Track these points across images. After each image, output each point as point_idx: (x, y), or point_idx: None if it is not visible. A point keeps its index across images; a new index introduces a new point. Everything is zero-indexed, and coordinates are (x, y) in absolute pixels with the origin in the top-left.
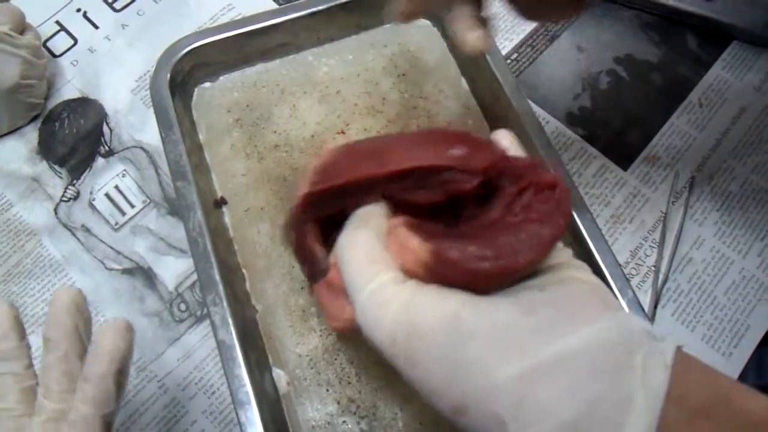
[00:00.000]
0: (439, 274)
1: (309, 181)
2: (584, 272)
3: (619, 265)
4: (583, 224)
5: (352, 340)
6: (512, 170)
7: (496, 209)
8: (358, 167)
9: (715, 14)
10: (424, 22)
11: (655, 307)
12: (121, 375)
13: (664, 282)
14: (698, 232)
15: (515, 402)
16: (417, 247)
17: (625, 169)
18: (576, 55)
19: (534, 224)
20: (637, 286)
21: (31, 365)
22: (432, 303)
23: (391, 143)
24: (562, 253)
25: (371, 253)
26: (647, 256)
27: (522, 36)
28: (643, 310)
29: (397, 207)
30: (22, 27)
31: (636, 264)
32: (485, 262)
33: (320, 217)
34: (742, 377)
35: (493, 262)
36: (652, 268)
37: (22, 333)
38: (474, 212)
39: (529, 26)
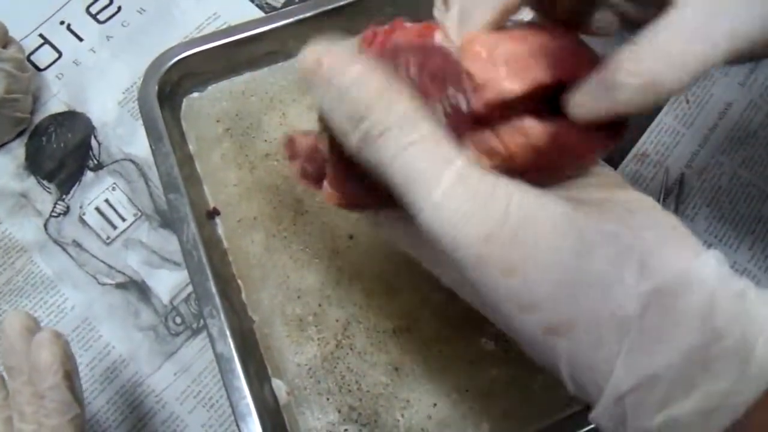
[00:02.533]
0: (531, 163)
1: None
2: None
3: None
4: None
5: (351, 347)
6: None
7: None
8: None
9: None
10: None
11: None
12: (70, 378)
13: None
14: (690, 228)
15: (640, 322)
16: (531, 127)
17: (615, 167)
18: None
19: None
20: None
21: (7, 395)
22: (546, 201)
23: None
24: (611, 173)
25: (438, 133)
26: None
27: None
28: None
29: None
30: (4, 41)
31: None
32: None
33: None
34: None
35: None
36: None
37: None
38: None
39: None
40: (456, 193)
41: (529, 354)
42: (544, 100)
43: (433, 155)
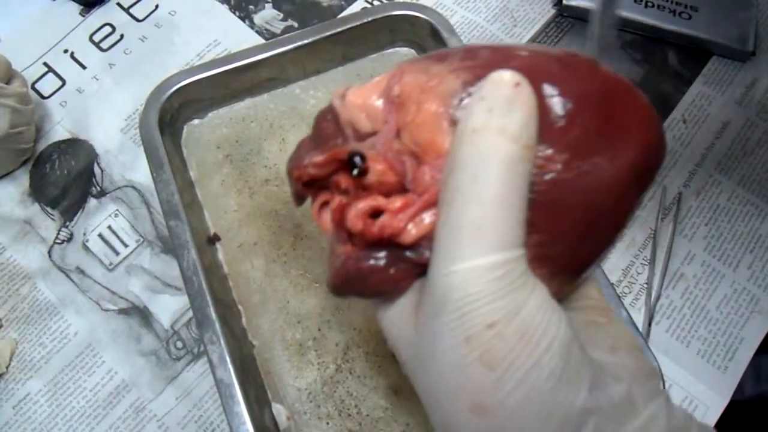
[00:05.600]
0: None
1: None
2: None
3: (612, 284)
4: None
5: (350, 371)
6: None
7: None
8: None
9: (693, 31)
10: (407, 50)
11: (650, 324)
12: None
13: (657, 299)
14: (688, 247)
15: None
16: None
17: None
18: None
19: None
20: (630, 305)
21: None
22: (558, 317)
23: None
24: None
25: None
26: (639, 273)
27: None
28: (637, 328)
29: None
30: (8, 76)
31: (628, 282)
32: None
33: None
34: (740, 387)
35: None
36: (645, 286)
37: None
38: None
39: None
40: (496, 273)
41: None
42: None
43: (507, 219)
